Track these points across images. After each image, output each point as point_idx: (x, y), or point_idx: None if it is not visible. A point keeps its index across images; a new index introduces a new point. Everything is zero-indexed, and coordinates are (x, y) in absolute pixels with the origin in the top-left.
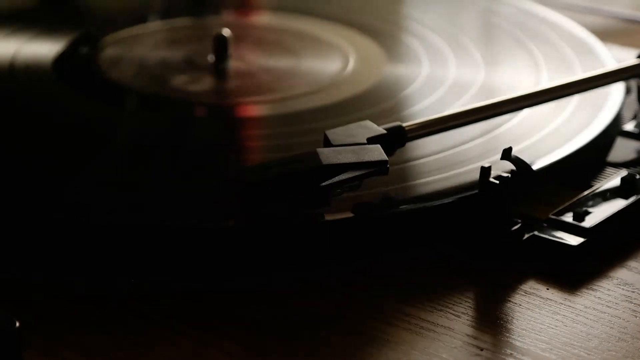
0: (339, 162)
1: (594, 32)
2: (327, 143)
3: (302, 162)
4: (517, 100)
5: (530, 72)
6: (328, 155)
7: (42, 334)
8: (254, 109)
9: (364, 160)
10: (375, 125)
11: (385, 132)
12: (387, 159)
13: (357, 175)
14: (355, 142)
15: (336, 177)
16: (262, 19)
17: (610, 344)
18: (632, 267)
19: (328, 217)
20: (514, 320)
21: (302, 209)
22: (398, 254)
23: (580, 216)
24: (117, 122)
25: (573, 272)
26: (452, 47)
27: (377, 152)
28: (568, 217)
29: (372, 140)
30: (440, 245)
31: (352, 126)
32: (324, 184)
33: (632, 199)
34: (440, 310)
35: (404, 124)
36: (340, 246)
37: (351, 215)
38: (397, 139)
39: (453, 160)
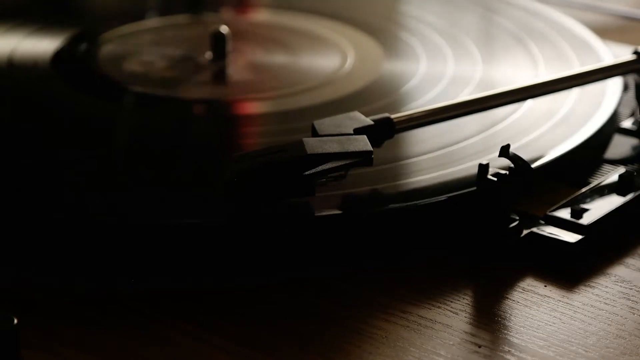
0: (323, 151)
1: (592, 29)
2: (315, 133)
3: (287, 152)
4: (511, 93)
5: (528, 69)
6: (313, 145)
7: (41, 332)
8: (252, 106)
9: (349, 150)
10: (363, 116)
11: (372, 123)
12: (371, 149)
13: (341, 165)
14: (342, 132)
15: (320, 167)
16: (260, 16)
17: (608, 341)
18: (630, 264)
19: (324, 214)
20: (512, 318)
21: (286, 198)
22: (396, 252)
23: (578, 213)
24: (115, 119)
25: (571, 270)
26: (450, 44)
27: (362, 143)
28: (566, 215)
29: (359, 131)
30: (438, 243)
31: (340, 117)
32: (307, 172)
33: (629, 196)
34: (438, 307)
35: (392, 116)
36: (337, 244)
37: (347, 212)
38: (385, 130)
39: (451, 158)
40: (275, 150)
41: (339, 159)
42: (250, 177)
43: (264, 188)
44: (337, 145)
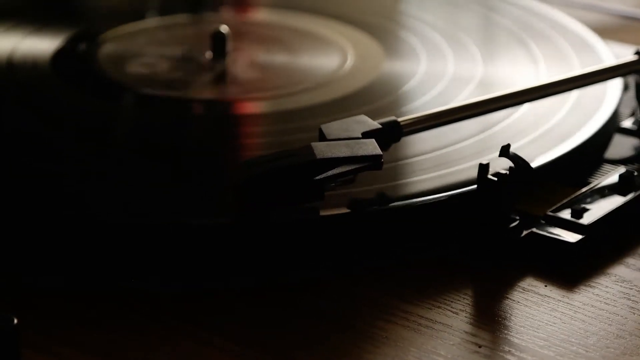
0: (333, 156)
1: (592, 28)
2: (322, 137)
3: (296, 156)
4: (514, 95)
5: (529, 69)
6: (322, 150)
7: (41, 332)
8: (252, 106)
9: (358, 155)
10: (370, 120)
11: (380, 126)
12: (381, 153)
13: (351, 170)
14: (350, 136)
15: (330, 171)
16: (260, 15)
17: (608, 341)
18: (630, 264)
19: (325, 213)
20: (512, 317)
21: (296, 203)
22: (396, 252)
23: (578, 213)
24: (114, 119)
25: (571, 269)
26: (451, 44)
27: (371, 147)
28: (566, 214)
29: (367, 135)
30: (438, 243)
31: (348, 121)
32: (317, 177)
33: (629, 196)
34: (439, 307)
35: (399, 119)
36: (338, 243)
37: (347, 211)
38: (392, 133)
39: (451, 157)
40: (283, 155)
41: (349, 163)
42: (260, 183)
43: (273, 193)
44: (346, 150)
